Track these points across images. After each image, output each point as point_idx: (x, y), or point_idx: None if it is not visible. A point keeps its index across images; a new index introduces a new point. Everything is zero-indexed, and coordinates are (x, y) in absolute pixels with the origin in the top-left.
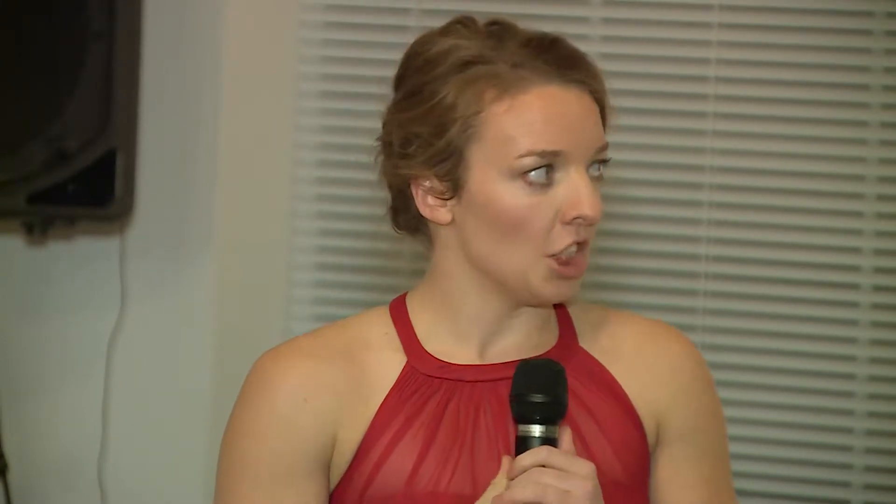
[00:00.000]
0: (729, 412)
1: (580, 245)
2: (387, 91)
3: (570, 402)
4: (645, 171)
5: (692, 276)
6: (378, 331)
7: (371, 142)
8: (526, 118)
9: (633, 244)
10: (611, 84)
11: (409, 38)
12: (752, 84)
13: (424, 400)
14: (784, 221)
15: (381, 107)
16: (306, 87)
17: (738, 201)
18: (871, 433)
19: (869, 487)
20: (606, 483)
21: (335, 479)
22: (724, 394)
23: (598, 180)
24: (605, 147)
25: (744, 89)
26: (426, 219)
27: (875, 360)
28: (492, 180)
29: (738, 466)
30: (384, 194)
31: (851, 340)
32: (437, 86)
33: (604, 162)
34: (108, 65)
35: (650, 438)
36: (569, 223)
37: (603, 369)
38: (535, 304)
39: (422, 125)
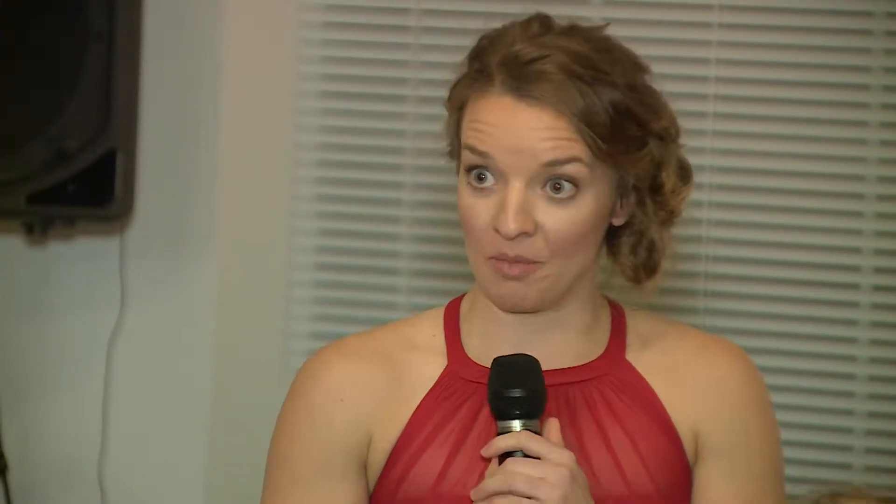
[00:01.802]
0: None
1: (515, 259)
2: (387, 91)
3: (602, 414)
4: None
5: (692, 276)
6: (427, 332)
7: (371, 142)
8: (474, 118)
9: None
10: None
11: (410, 39)
12: (752, 84)
13: (459, 404)
14: (784, 221)
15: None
16: (306, 87)
17: (738, 201)
18: (871, 433)
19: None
20: (634, 496)
21: (373, 479)
22: None
23: (555, 200)
24: (556, 163)
25: (744, 89)
26: None
27: (875, 360)
28: (460, 174)
29: None
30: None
31: (851, 340)
32: (462, 67)
33: (564, 179)
34: (108, 65)
35: (689, 453)
36: (496, 232)
37: (644, 384)
38: (500, 308)
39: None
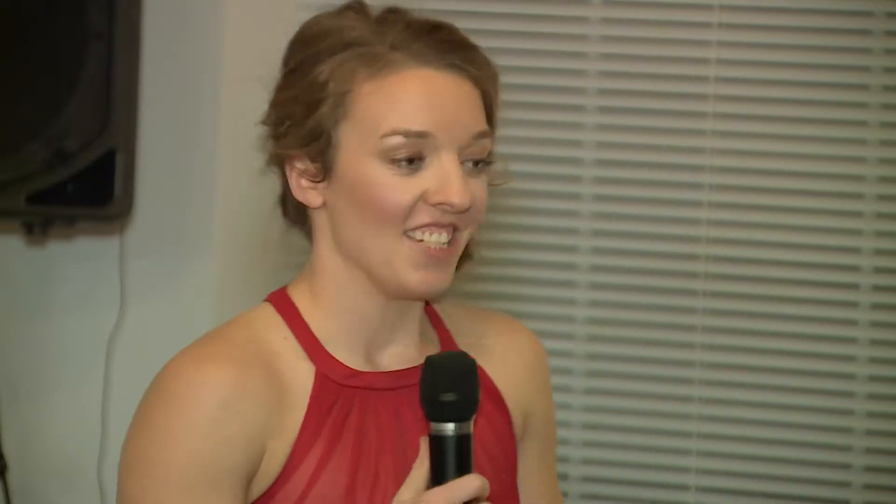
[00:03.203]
0: (729, 412)
1: (450, 233)
2: None
3: None
4: (646, 170)
5: (692, 276)
6: (276, 335)
7: None
8: (394, 98)
9: (633, 244)
10: (610, 84)
11: None
12: (752, 84)
13: (344, 414)
14: (784, 221)
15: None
16: None
17: (738, 201)
18: (871, 433)
19: (869, 487)
20: (497, 495)
21: (257, 493)
22: (724, 394)
23: (474, 171)
24: (483, 135)
25: (744, 89)
26: (304, 205)
27: (875, 360)
28: (359, 161)
29: (738, 466)
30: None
31: (851, 340)
32: (313, 65)
33: (484, 163)
34: (108, 65)
35: (517, 431)
36: (433, 206)
37: (481, 369)
38: (406, 295)
39: (295, 104)
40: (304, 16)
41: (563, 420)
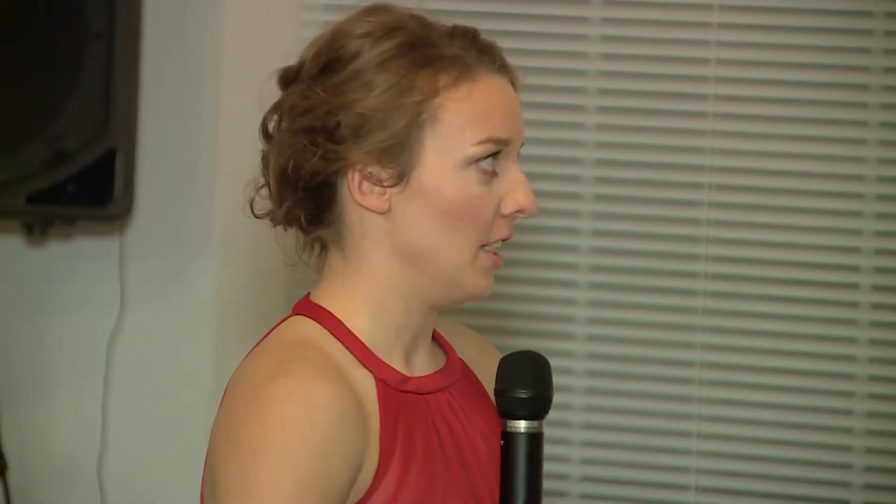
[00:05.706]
0: (728, 412)
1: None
2: None
3: (482, 406)
4: (645, 171)
5: (692, 276)
6: (331, 347)
7: None
8: (482, 105)
9: (633, 244)
10: (610, 84)
11: None
12: (752, 84)
13: (409, 420)
14: (784, 221)
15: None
16: None
17: (738, 201)
18: (871, 433)
19: (869, 487)
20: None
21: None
22: (724, 394)
23: None
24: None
25: (744, 89)
26: (345, 212)
27: (875, 360)
28: (444, 168)
29: (737, 466)
30: (272, 188)
31: (851, 340)
32: (382, 69)
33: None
34: (108, 65)
35: None
36: (507, 216)
37: (475, 376)
38: (465, 299)
39: (368, 108)
40: (305, 16)
41: (563, 420)
